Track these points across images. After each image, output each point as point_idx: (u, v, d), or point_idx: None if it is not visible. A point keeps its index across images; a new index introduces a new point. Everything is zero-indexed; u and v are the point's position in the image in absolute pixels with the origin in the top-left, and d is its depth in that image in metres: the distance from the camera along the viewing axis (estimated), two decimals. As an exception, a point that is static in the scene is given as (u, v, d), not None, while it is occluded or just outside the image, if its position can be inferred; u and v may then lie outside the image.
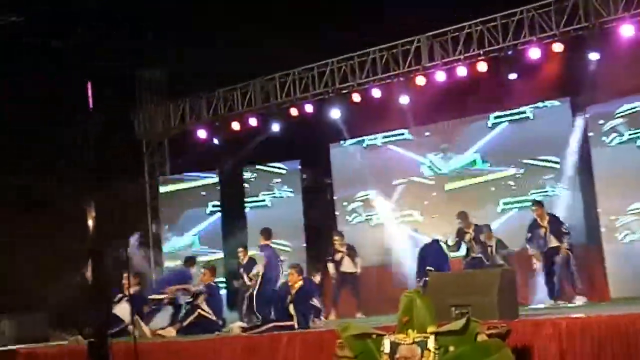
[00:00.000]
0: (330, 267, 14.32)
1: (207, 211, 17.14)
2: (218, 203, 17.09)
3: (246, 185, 16.99)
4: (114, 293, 10.17)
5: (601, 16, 12.53)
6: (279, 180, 16.76)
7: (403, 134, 15.77)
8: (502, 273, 8.49)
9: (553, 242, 12.14)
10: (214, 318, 11.12)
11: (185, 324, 11.10)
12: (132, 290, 11.42)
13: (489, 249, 13.00)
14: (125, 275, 11.30)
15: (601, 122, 13.42)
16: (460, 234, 13.28)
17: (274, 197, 16.74)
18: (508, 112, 14.63)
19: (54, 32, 4.59)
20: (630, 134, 13.14)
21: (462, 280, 8.66)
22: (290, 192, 16.61)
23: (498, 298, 7.94)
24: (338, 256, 14.27)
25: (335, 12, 14.60)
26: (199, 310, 11.22)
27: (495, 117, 14.79)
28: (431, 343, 6.68)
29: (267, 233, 12.63)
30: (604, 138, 13.37)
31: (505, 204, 14.49)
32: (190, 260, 13.74)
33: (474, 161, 15.03)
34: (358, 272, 14.29)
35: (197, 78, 16.03)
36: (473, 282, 8.41)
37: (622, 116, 13.23)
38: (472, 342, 6.51)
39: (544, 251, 12.19)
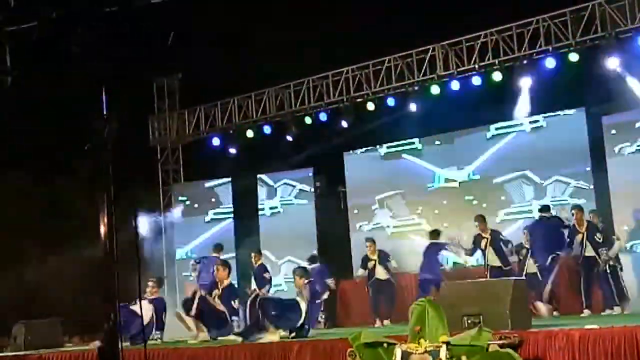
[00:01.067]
0: (362, 272, 14.13)
1: (220, 218, 17.15)
2: (231, 210, 17.09)
3: (259, 193, 16.97)
4: (133, 298, 10.13)
5: (618, 26, 12.50)
6: (293, 188, 16.76)
7: (414, 143, 15.72)
8: (515, 283, 8.43)
9: (590, 251, 11.92)
10: (223, 309, 11.04)
11: (193, 311, 11.05)
12: (153, 296, 11.54)
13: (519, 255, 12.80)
14: (149, 282, 11.51)
15: (615, 132, 13.33)
16: (477, 239, 13.03)
17: (287, 204, 16.72)
18: (520, 121, 14.54)
19: (70, 37, 4.59)
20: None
21: (474, 290, 8.61)
22: (304, 201, 16.59)
23: (510, 308, 7.89)
24: (370, 264, 13.98)
25: (350, 20, 14.61)
26: (201, 295, 11.18)
27: (507, 127, 14.73)
28: (443, 353, 6.66)
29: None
30: (619, 149, 13.28)
31: (516, 212, 14.36)
32: (218, 247, 14.05)
33: (486, 171, 14.97)
34: (391, 279, 14.00)
35: (212, 86, 16.08)
36: (485, 292, 8.36)
37: (637, 127, 13.15)
38: (483, 353, 6.48)
39: (580, 259, 11.97)
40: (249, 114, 16.40)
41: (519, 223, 14.19)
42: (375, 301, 13.97)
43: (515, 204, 14.58)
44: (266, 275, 13.63)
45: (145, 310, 11.15)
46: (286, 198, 16.77)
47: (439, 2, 14.00)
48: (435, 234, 13.57)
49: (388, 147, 16.06)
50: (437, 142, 15.56)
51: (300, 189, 16.67)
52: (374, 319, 13.68)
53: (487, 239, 12.70)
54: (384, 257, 14.02)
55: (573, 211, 12.28)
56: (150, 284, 11.63)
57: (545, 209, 12.67)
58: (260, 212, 16.92)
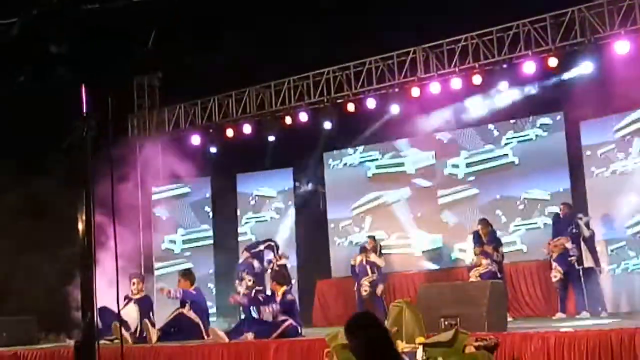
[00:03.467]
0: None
1: (198, 218, 17.11)
2: (210, 210, 17.07)
3: (239, 197, 16.95)
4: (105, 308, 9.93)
5: (597, 32, 12.60)
6: (272, 189, 16.77)
7: (397, 145, 15.77)
8: (492, 285, 8.49)
9: (589, 262, 11.98)
10: (197, 321, 10.92)
11: (161, 326, 10.94)
12: (139, 295, 11.31)
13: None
14: (133, 280, 11.25)
15: (595, 140, 13.42)
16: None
17: (266, 207, 16.74)
18: (505, 132, 14.65)
19: (50, 36, 4.57)
20: (624, 154, 13.16)
21: (452, 292, 8.66)
22: (281, 200, 16.61)
23: (487, 310, 7.95)
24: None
25: (331, 21, 14.62)
26: (180, 310, 11.05)
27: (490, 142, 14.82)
28: (419, 354, 6.70)
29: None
30: (597, 156, 13.38)
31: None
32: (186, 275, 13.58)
33: (464, 176, 15.04)
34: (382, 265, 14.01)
35: (192, 84, 16.03)
36: (463, 294, 8.42)
37: (614, 138, 13.24)
38: (460, 354, 6.52)
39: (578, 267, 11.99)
40: (229, 113, 16.37)
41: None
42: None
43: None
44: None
45: (130, 313, 10.99)
46: (265, 206, 16.72)
47: (420, 5, 14.04)
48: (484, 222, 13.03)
49: (367, 150, 16.10)
50: (419, 145, 15.58)
51: (279, 188, 16.66)
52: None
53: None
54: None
55: (561, 206, 12.51)
56: (134, 281, 11.28)
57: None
58: (239, 212, 16.88)
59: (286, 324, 9.86)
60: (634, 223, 12.84)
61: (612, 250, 13.00)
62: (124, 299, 11.07)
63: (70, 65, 4.63)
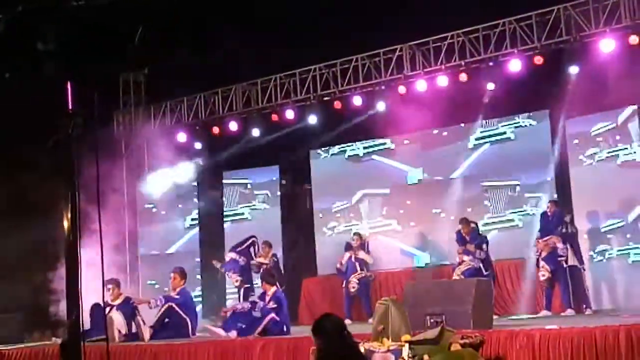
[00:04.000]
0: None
1: (184, 215, 17.09)
2: (196, 207, 17.05)
3: (225, 194, 16.92)
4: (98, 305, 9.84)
5: (582, 30, 12.65)
6: (258, 187, 16.76)
7: (384, 143, 15.80)
8: (478, 283, 8.52)
9: (573, 261, 12.04)
10: (185, 318, 10.91)
11: (155, 321, 10.91)
12: (118, 301, 11.23)
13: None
14: (108, 286, 11.12)
15: (580, 137, 13.51)
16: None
17: (253, 209, 16.72)
18: (487, 129, 14.73)
19: (36, 32, 4.54)
20: (608, 152, 13.23)
21: (437, 290, 8.70)
22: (267, 205, 16.60)
23: (473, 308, 7.98)
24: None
25: (317, 18, 14.62)
26: (170, 304, 11.02)
27: (476, 138, 14.87)
28: (405, 352, 6.72)
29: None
30: (582, 154, 13.45)
31: (484, 224, 14.33)
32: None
33: (450, 172, 15.09)
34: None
35: (178, 81, 15.98)
36: (448, 292, 8.46)
37: (600, 133, 13.31)
38: (445, 352, 6.55)
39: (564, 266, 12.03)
40: (215, 110, 16.34)
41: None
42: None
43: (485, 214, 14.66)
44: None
45: (116, 319, 10.93)
46: (251, 203, 16.70)
47: (406, 2, 14.06)
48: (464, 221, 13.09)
49: (355, 148, 16.12)
50: (406, 142, 15.62)
51: (266, 187, 16.65)
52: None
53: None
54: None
55: (549, 204, 12.58)
56: (109, 287, 11.15)
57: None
58: (225, 211, 16.86)
59: (268, 317, 9.93)
60: (618, 217, 12.95)
61: (595, 245, 13.09)
62: (105, 307, 11.04)
63: (56, 62, 4.60)
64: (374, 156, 15.92)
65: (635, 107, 12.87)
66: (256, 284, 13.86)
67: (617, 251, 12.95)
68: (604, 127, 13.31)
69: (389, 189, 15.68)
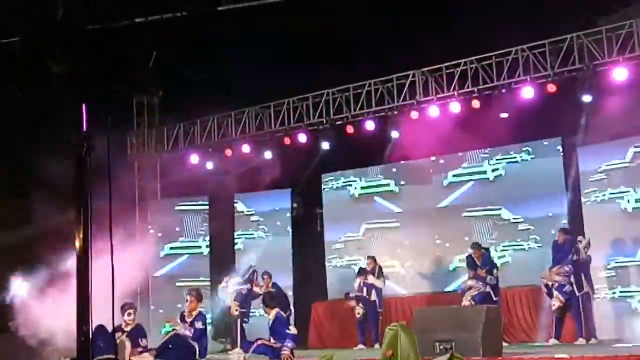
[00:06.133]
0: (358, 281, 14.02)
1: (195, 237, 17.11)
2: (207, 229, 17.08)
3: (236, 212, 16.96)
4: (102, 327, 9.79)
5: (595, 58, 12.67)
6: (269, 209, 16.78)
7: (393, 169, 15.80)
8: (488, 310, 8.49)
9: (585, 288, 12.02)
10: (193, 343, 10.88)
11: (158, 345, 10.89)
12: (130, 327, 11.19)
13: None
14: (130, 311, 11.12)
15: (593, 166, 13.43)
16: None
17: (263, 227, 16.73)
18: (500, 157, 14.70)
19: (51, 54, 4.61)
20: (612, 192, 13.15)
21: (447, 316, 8.66)
22: (278, 221, 16.60)
23: (482, 335, 7.95)
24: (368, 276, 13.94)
25: (331, 43, 14.69)
26: (175, 330, 11.00)
27: (489, 163, 14.84)
28: (413, 378, 6.67)
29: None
30: (594, 187, 13.37)
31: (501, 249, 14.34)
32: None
33: (460, 201, 15.06)
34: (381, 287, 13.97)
35: (192, 103, 16.07)
36: (458, 318, 8.42)
37: (609, 170, 13.24)
38: (454, 379, 6.50)
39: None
40: (228, 133, 16.41)
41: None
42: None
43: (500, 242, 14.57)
44: None
45: (120, 345, 10.87)
46: (262, 226, 16.74)
47: (420, 28, 14.11)
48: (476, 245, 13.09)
49: (362, 182, 16.17)
50: (416, 168, 15.61)
51: (277, 212, 16.65)
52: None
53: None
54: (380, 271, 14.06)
55: (558, 233, 12.52)
56: (129, 312, 11.11)
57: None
58: (236, 235, 16.87)
59: (258, 343, 10.09)
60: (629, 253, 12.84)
61: (608, 277, 12.98)
62: (115, 330, 11.02)
63: (71, 83, 4.66)
64: (384, 180, 15.88)
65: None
66: (252, 313, 14.02)
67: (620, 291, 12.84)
68: (616, 162, 13.22)
69: (400, 214, 15.63)
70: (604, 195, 13.25)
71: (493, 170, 14.75)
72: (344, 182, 16.34)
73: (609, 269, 12.97)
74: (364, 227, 15.99)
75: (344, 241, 16.12)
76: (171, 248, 17.02)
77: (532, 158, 14.37)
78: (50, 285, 11.47)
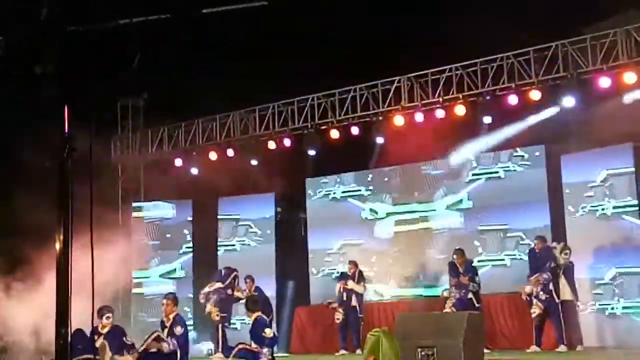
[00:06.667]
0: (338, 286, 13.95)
1: (178, 241, 17.05)
2: (189, 233, 17.02)
3: (220, 221, 16.89)
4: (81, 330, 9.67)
5: (579, 67, 12.74)
6: (253, 214, 16.72)
7: (378, 175, 15.80)
8: (470, 317, 8.49)
9: (567, 295, 12.05)
10: (172, 348, 10.79)
11: (141, 349, 10.80)
12: (106, 329, 11.08)
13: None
14: (108, 314, 11.00)
15: (576, 174, 13.45)
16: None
17: (247, 232, 16.68)
18: (483, 168, 14.69)
19: (35, 56, 4.59)
20: (594, 201, 13.16)
21: (429, 322, 8.66)
22: (262, 225, 16.54)
23: (464, 341, 7.95)
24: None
25: (316, 48, 14.71)
26: (158, 333, 10.91)
27: (473, 174, 14.81)
28: (395, 383, 6.68)
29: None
30: (577, 195, 13.38)
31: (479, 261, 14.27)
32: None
33: (444, 209, 15.06)
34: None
35: (176, 107, 16.04)
36: (440, 325, 8.41)
37: (592, 178, 13.26)
38: (436, 385, 6.51)
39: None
40: (212, 137, 16.37)
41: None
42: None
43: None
44: None
45: (100, 349, 10.78)
46: (245, 231, 16.67)
47: (405, 35, 14.16)
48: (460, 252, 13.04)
49: (345, 188, 16.13)
50: (400, 173, 15.62)
51: (260, 221, 16.60)
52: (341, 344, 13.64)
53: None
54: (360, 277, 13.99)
55: (535, 241, 12.54)
56: (108, 314, 10.85)
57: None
58: (219, 239, 16.81)
59: (239, 347, 10.04)
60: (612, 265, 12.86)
61: (592, 290, 12.98)
62: (93, 334, 10.91)
63: (54, 85, 4.63)
64: (367, 187, 15.88)
65: (631, 144, 12.88)
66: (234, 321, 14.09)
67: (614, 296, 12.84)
68: (600, 170, 13.24)
69: (383, 221, 15.64)
70: (587, 203, 13.28)
71: (478, 176, 14.77)
72: (328, 187, 16.33)
73: (596, 281, 12.94)
74: (347, 232, 15.96)
75: (328, 246, 16.09)
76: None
77: (515, 165, 14.40)
78: (26, 285, 11.39)
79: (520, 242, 14.12)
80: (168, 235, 17.07)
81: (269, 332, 10.41)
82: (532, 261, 12.43)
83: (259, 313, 10.70)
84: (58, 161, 4.65)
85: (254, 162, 15.84)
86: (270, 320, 12.24)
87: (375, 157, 15.31)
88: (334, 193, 16.22)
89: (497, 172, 14.55)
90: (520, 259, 13.85)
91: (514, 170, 14.39)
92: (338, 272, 14.83)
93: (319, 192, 16.39)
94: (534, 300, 12.05)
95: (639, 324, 12.19)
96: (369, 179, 15.94)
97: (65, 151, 4.61)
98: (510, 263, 14.14)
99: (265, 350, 10.23)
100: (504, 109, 13.45)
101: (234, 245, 16.67)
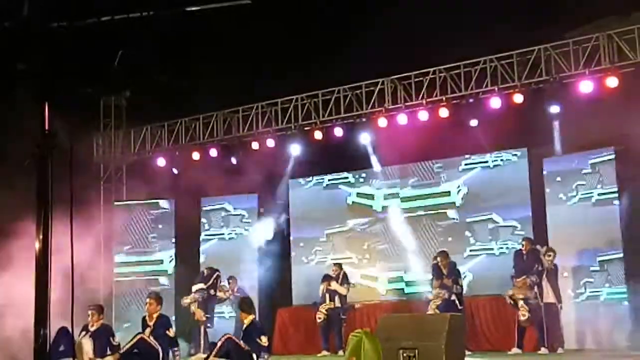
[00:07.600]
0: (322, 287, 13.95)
1: (161, 240, 16.96)
2: (173, 232, 16.94)
3: (203, 219, 16.81)
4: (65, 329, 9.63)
5: (562, 70, 12.81)
6: (236, 214, 16.66)
7: (362, 176, 15.81)
8: (451, 318, 8.50)
9: (550, 298, 12.06)
10: (157, 347, 10.74)
11: (123, 350, 10.74)
12: (94, 327, 11.04)
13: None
14: (90, 311, 10.98)
15: (558, 178, 13.51)
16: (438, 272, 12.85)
17: (231, 230, 16.62)
18: (473, 160, 14.73)
19: (17, 53, 4.54)
20: (582, 194, 13.23)
21: (411, 324, 8.66)
22: (247, 226, 16.47)
23: (446, 343, 7.96)
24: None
25: (300, 49, 14.70)
26: (141, 335, 10.86)
27: (464, 165, 14.85)
28: (376, 385, 6.68)
29: None
30: (559, 194, 13.46)
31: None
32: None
33: (427, 208, 15.12)
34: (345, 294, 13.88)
35: (159, 105, 15.96)
36: (422, 326, 8.42)
37: (578, 173, 13.32)
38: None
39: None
40: (195, 136, 16.32)
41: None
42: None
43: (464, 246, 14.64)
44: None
45: (84, 345, 10.73)
46: (228, 232, 16.62)
47: (389, 36, 14.17)
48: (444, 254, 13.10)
49: (332, 179, 16.12)
50: (385, 174, 15.63)
51: (243, 222, 16.54)
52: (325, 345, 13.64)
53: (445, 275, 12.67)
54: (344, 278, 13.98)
55: (523, 242, 12.52)
56: (89, 313, 10.93)
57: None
58: (203, 238, 16.74)
59: (224, 338, 9.89)
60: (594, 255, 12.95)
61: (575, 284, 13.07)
62: (82, 329, 10.90)
63: (34, 82, 4.59)
64: (352, 188, 15.90)
65: (612, 149, 12.95)
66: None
67: (589, 292, 12.92)
68: (581, 168, 13.31)
69: (366, 221, 15.66)
70: (569, 205, 13.34)
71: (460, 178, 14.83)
72: (311, 188, 16.32)
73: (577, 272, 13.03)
74: (329, 233, 15.96)
75: (310, 247, 16.09)
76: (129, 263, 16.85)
77: (497, 167, 14.46)
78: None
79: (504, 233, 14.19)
80: (150, 235, 16.96)
81: (264, 341, 10.25)
82: (518, 263, 12.38)
83: (254, 316, 10.60)
84: (37, 160, 4.61)
85: (236, 162, 15.80)
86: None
87: (359, 158, 15.29)
88: (319, 192, 16.21)
89: (479, 173, 14.59)
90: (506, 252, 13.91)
91: (495, 172, 14.45)
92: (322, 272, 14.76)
93: (303, 192, 16.36)
94: (520, 303, 12.00)
95: (619, 325, 12.24)
96: (352, 181, 15.94)
97: (45, 149, 4.57)
98: (495, 261, 14.16)
99: (266, 356, 10.12)
100: (486, 111, 13.48)
101: (216, 244, 16.58)
